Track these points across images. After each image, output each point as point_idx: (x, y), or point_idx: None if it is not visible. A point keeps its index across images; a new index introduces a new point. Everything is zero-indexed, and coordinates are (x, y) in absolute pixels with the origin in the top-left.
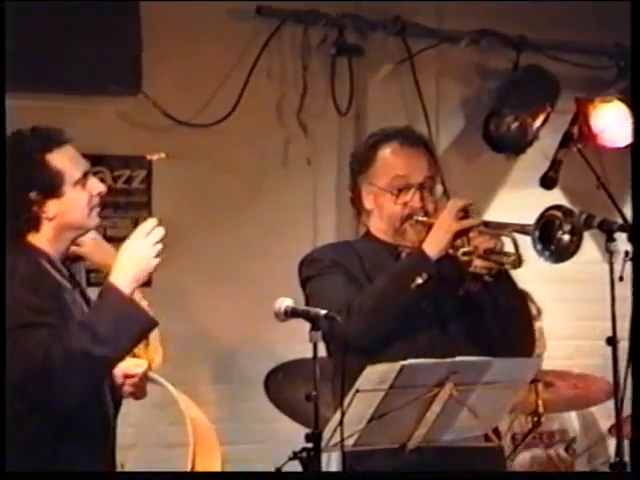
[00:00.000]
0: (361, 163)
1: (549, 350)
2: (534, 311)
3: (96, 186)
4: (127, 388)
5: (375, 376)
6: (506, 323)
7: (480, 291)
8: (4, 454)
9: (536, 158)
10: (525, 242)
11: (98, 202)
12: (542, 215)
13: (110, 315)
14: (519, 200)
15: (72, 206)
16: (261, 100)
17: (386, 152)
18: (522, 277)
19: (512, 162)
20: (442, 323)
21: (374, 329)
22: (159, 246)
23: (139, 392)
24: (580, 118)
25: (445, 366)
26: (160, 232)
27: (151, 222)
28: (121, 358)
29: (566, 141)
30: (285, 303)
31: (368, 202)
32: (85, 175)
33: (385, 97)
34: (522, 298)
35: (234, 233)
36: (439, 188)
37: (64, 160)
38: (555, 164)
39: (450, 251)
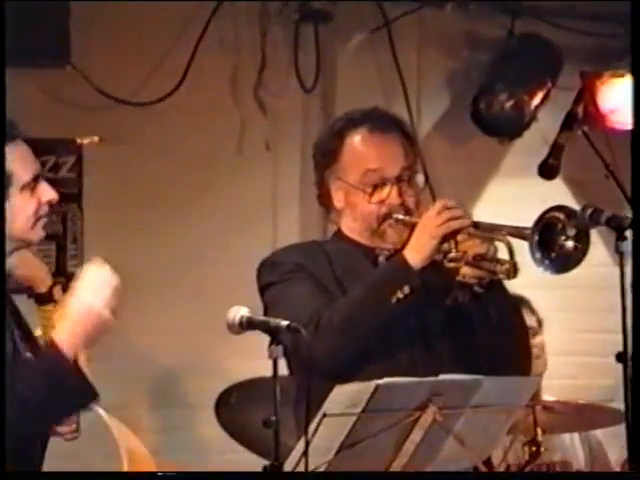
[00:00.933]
0: (326, 155)
1: (550, 367)
2: (534, 323)
3: (47, 193)
4: (59, 430)
5: (345, 398)
6: (498, 339)
7: (469, 303)
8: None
9: (534, 143)
10: (522, 247)
11: (47, 212)
12: (541, 217)
13: (45, 382)
14: (514, 192)
15: (15, 214)
16: (212, 74)
17: (354, 141)
18: (519, 283)
19: (506, 147)
20: (425, 339)
21: (345, 348)
22: (112, 297)
23: (72, 434)
24: (586, 95)
25: (427, 386)
26: (111, 279)
27: (99, 269)
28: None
29: (569, 123)
30: (240, 312)
31: (338, 200)
32: (35, 179)
33: (357, 71)
34: (516, 311)
35: (179, 231)
36: (420, 178)
37: (13, 159)
38: (556, 150)
39: (435, 257)
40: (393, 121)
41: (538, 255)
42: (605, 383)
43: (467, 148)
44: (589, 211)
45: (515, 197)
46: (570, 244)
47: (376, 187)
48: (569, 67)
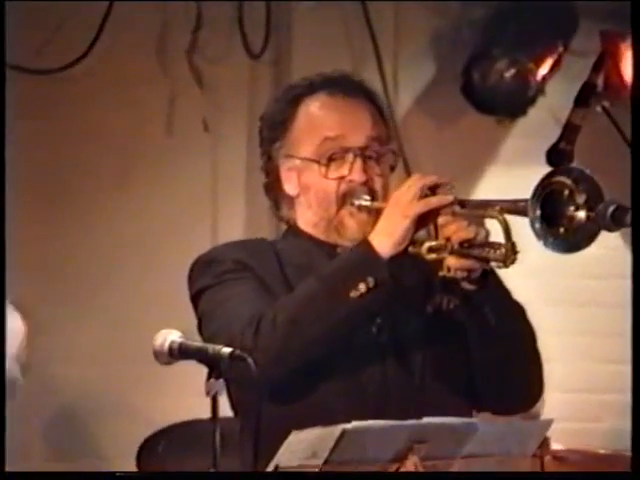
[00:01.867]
0: (275, 127)
1: (559, 408)
2: None
3: None
4: None
5: (304, 446)
6: (499, 350)
7: (457, 306)
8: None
9: (541, 122)
10: (520, 230)
11: None
12: (543, 183)
13: None
14: (516, 184)
15: None
16: (133, 35)
17: (310, 108)
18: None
19: (506, 128)
20: (401, 356)
21: (293, 357)
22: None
23: None
24: (607, 62)
25: (407, 431)
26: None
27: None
28: None
29: (586, 96)
30: (170, 337)
31: (289, 184)
32: None
33: (318, 31)
34: (520, 311)
35: (95, 232)
36: (391, 156)
37: None
38: (569, 131)
39: (410, 248)
40: (359, 86)
41: (542, 232)
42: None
43: (456, 129)
44: (612, 208)
45: (517, 191)
46: (582, 214)
47: (334, 159)
48: (586, 26)
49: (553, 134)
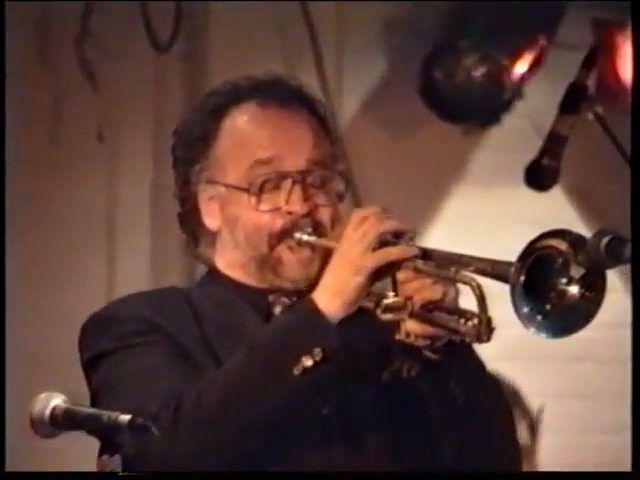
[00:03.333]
0: (193, 146)
1: None
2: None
3: None
4: None
5: None
6: (466, 434)
7: (419, 377)
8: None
9: (519, 132)
10: (496, 291)
11: None
12: (530, 248)
13: None
14: (488, 208)
15: None
16: (8, 20)
17: (236, 122)
18: (490, 354)
19: (475, 140)
20: (353, 438)
21: (221, 450)
22: None
23: None
24: (601, 58)
25: None
26: None
27: None
28: None
29: (574, 101)
30: (52, 402)
31: (210, 216)
32: None
33: (241, 20)
34: (494, 386)
35: None
36: (339, 181)
37: None
38: (553, 143)
39: (365, 303)
40: (297, 93)
41: (525, 307)
42: None
43: (414, 141)
44: (606, 239)
45: (489, 216)
46: (575, 290)
47: (267, 187)
48: (575, 14)
49: (533, 147)
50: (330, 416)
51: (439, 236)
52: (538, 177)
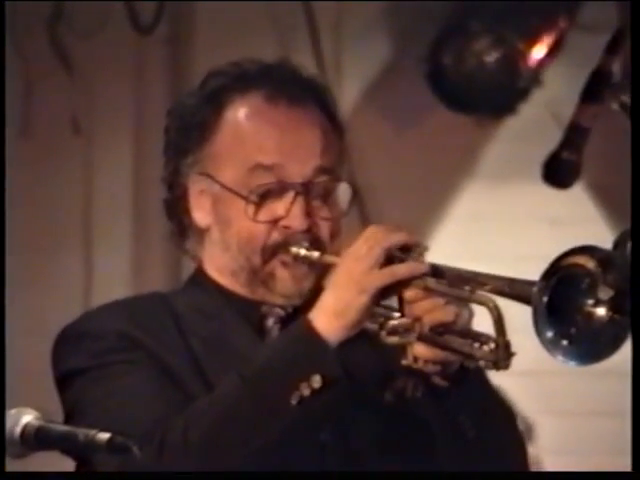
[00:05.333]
0: (189, 133)
1: None
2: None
3: None
4: None
5: None
6: (476, 460)
7: (424, 399)
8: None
9: (537, 123)
10: (515, 312)
11: None
12: (554, 266)
13: None
14: (503, 207)
15: None
16: None
17: (240, 115)
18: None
19: (488, 132)
20: (352, 463)
21: None
22: None
23: None
24: (626, 42)
25: None
26: None
27: None
28: None
29: (597, 89)
30: (23, 419)
31: (200, 210)
32: None
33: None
34: (509, 420)
35: None
36: (345, 189)
37: None
38: (574, 135)
39: (368, 326)
40: (310, 87)
41: (549, 332)
42: None
43: (421, 132)
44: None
45: (503, 215)
46: (602, 312)
47: (268, 196)
48: None
49: (552, 139)
50: (328, 442)
51: (448, 238)
52: (557, 172)
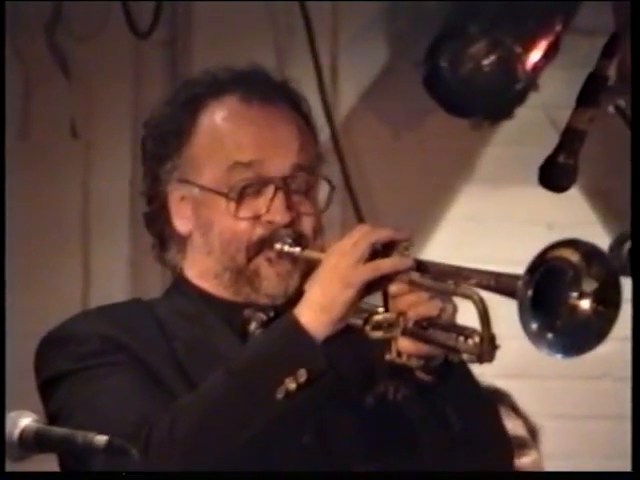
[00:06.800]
0: (166, 140)
1: None
2: (521, 430)
3: None
4: None
5: None
6: (462, 461)
7: (407, 400)
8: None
9: (533, 126)
10: (499, 305)
11: None
12: (540, 259)
13: None
14: (497, 210)
15: None
16: None
17: (215, 117)
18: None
19: (485, 135)
20: (334, 460)
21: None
22: None
23: None
24: (623, 45)
25: None
26: None
27: None
28: None
29: (593, 92)
30: (22, 421)
31: (181, 218)
32: None
33: (227, 3)
34: (493, 414)
35: None
36: (324, 188)
37: None
38: (571, 139)
39: (352, 321)
40: (282, 89)
41: (533, 324)
42: None
43: (417, 135)
44: (628, 244)
45: (500, 218)
46: (587, 305)
47: (247, 192)
48: None
49: (548, 143)
50: (310, 445)
51: (444, 240)
52: (554, 176)
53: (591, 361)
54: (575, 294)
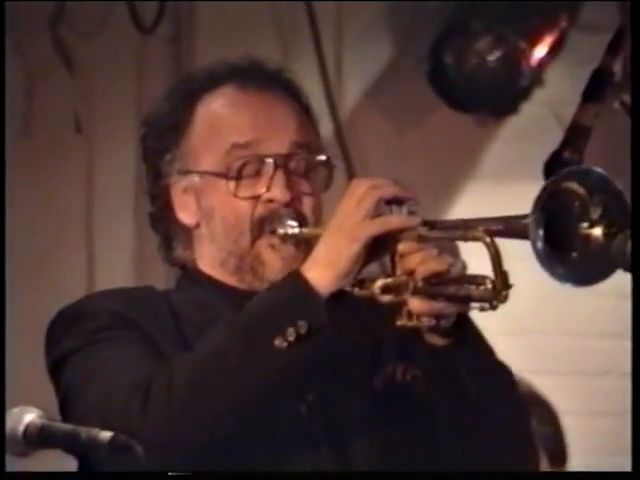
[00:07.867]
0: (164, 134)
1: None
2: (542, 414)
3: None
4: None
5: None
6: (478, 434)
7: (416, 378)
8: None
9: (538, 122)
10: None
11: None
12: (547, 192)
13: None
14: (504, 204)
15: None
16: None
17: (212, 107)
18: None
19: (489, 131)
20: (340, 445)
21: (196, 434)
22: None
23: None
24: (628, 41)
25: None
26: None
27: None
28: None
29: (598, 88)
30: (26, 418)
31: (185, 210)
32: None
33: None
34: (507, 377)
35: None
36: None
37: None
38: (575, 135)
39: (356, 290)
40: (278, 78)
41: (548, 259)
42: None
43: (422, 131)
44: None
45: (505, 214)
46: (598, 232)
47: (247, 173)
48: None
49: (553, 139)
50: (314, 419)
51: None
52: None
53: (596, 357)
54: (585, 224)
